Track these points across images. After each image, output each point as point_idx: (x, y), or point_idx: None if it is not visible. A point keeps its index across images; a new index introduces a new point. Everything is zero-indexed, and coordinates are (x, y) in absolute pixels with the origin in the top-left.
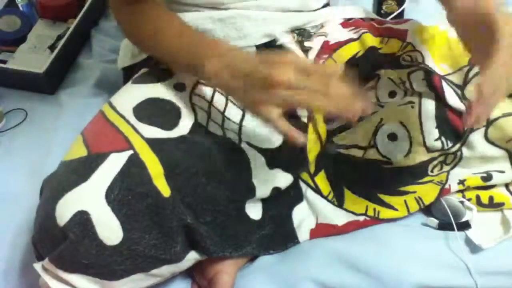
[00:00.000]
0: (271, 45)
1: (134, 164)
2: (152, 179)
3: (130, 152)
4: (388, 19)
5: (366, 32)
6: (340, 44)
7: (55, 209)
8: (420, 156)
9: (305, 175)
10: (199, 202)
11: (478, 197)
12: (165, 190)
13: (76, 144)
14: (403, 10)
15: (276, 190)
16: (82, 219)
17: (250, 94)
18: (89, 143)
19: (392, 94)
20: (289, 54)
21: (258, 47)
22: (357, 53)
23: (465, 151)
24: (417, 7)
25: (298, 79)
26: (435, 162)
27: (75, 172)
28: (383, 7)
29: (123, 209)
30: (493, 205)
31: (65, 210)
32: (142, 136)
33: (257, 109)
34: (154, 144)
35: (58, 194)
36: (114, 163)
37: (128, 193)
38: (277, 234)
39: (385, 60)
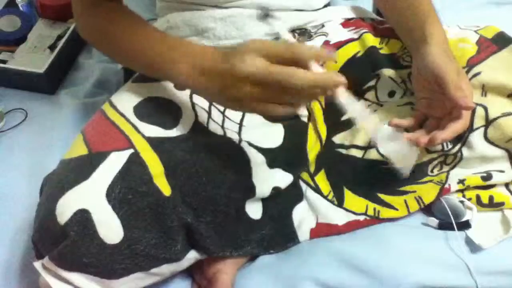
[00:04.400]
0: None
1: (135, 163)
2: (152, 178)
3: (131, 151)
4: None
5: (367, 32)
6: (340, 44)
7: (56, 208)
8: (420, 156)
9: (305, 175)
10: (200, 202)
11: (478, 196)
12: (165, 189)
13: (77, 142)
14: None
15: (276, 189)
16: (83, 218)
17: (224, 94)
18: (90, 141)
19: (391, 94)
20: (255, 41)
21: None
22: (357, 53)
23: (465, 151)
24: None
25: (262, 73)
26: (435, 162)
27: (76, 171)
28: None
29: (124, 208)
30: (493, 204)
31: (65, 208)
32: (142, 135)
33: (238, 107)
34: (155, 143)
35: (59, 193)
36: (114, 162)
37: (128, 192)
38: (277, 234)
39: (385, 60)
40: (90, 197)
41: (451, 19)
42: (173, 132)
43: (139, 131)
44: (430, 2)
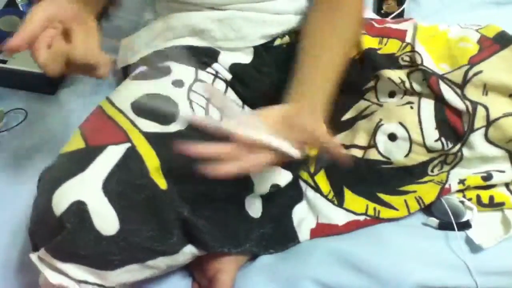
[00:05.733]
0: (268, 46)
1: (132, 157)
2: (149, 172)
3: (128, 145)
4: (388, 18)
5: (365, 33)
6: None
7: (52, 199)
8: (420, 156)
9: (305, 175)
10: (196, 196)
11: (478, 196)
12: (162, 183)
13: (74, 137)
14: (403, 10)
15: (275, 187)
16: (79, 209)
17: None
18: (87, 135)
19: (392, 94)
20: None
21: (256, 47)
22: (355, 55)
23: (465, 151)
24: (417, 7)
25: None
26: (435, 162)
27: (72, 163)
28: (383, 7)
29: (120, 200)
30: (494, 204)
31: (61, 200)
32: (140, 130)
33: None
34: (152, 138)
35: (55, 185)
36: (111, 155)
37: (125, 184)
38: (277, 234)
39: (384, 61)
40: (87, 188)
41: (451, 18)
42: (170, 128)
43: (136, 126)
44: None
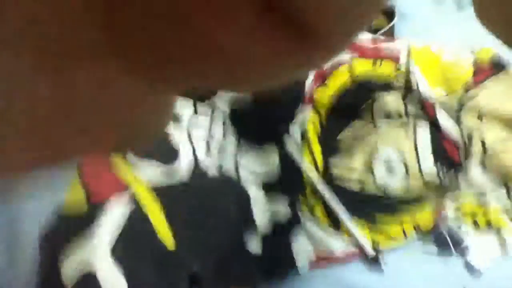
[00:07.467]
0: None
1: (137, 218)
2: (156, 232)
3: (132, 202)
4: (377, 34)
5: (357, 56)
6: (331, 70)
7: (60, 269)
8: (417, 181)
9: (303, 207)
10: (205, 251)
11: (475, 222)
12: (170, 243)
13: (73, 188)
14: (393, 26)
15: (276, 225)
16: (90, 280)
17: None
18: (88, 188)
19: (388, 116)
20: None
21: None
22: (348, 79)
23: (461, 178)
24: (409, 23)
25: None
26: (431, 188)
27: (76, 227)
28: (372, 23)
29: (129, 266)
30: (491, 228)
31: (71, 271)
32: (143, 182)
33: None
34: (156, 192)
35: (62, 254)
36: (116, 216)
37: (133, 250)
38: (276, 267)
39: (378, 84)
40: (96, 258)
41: (445, 33)
42: (173, 177)
43: (139, 176)
44: None
